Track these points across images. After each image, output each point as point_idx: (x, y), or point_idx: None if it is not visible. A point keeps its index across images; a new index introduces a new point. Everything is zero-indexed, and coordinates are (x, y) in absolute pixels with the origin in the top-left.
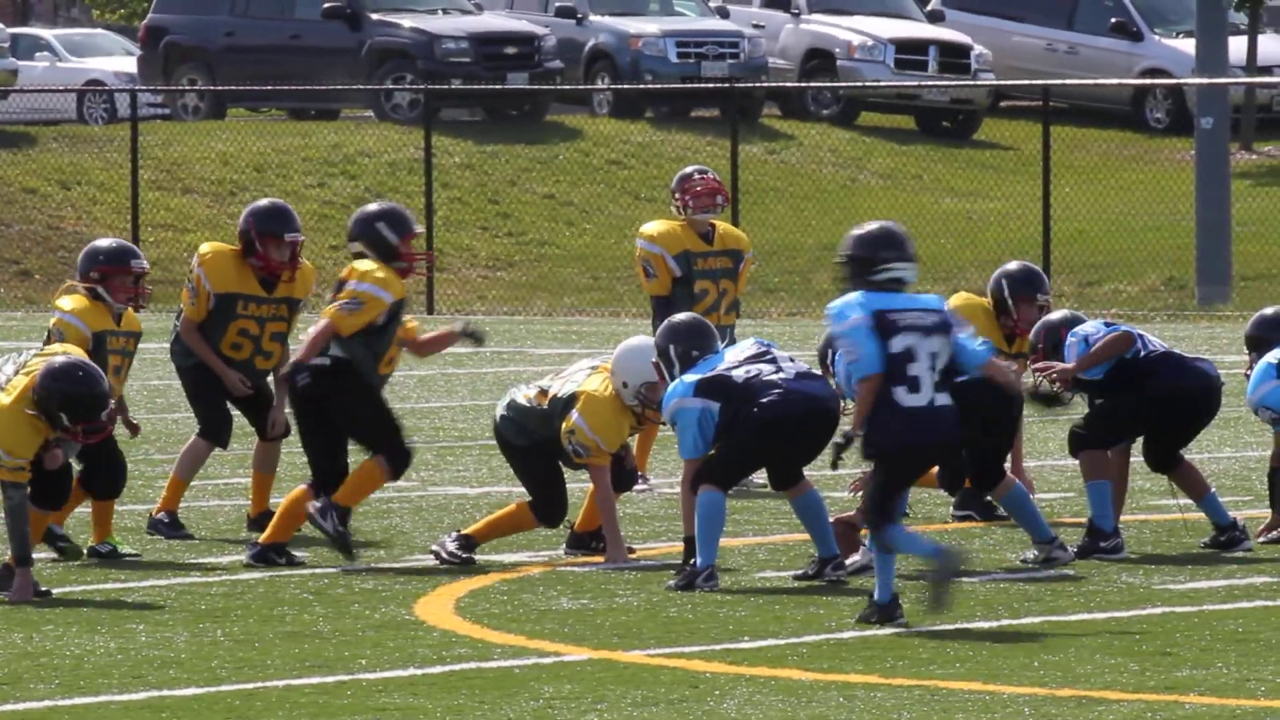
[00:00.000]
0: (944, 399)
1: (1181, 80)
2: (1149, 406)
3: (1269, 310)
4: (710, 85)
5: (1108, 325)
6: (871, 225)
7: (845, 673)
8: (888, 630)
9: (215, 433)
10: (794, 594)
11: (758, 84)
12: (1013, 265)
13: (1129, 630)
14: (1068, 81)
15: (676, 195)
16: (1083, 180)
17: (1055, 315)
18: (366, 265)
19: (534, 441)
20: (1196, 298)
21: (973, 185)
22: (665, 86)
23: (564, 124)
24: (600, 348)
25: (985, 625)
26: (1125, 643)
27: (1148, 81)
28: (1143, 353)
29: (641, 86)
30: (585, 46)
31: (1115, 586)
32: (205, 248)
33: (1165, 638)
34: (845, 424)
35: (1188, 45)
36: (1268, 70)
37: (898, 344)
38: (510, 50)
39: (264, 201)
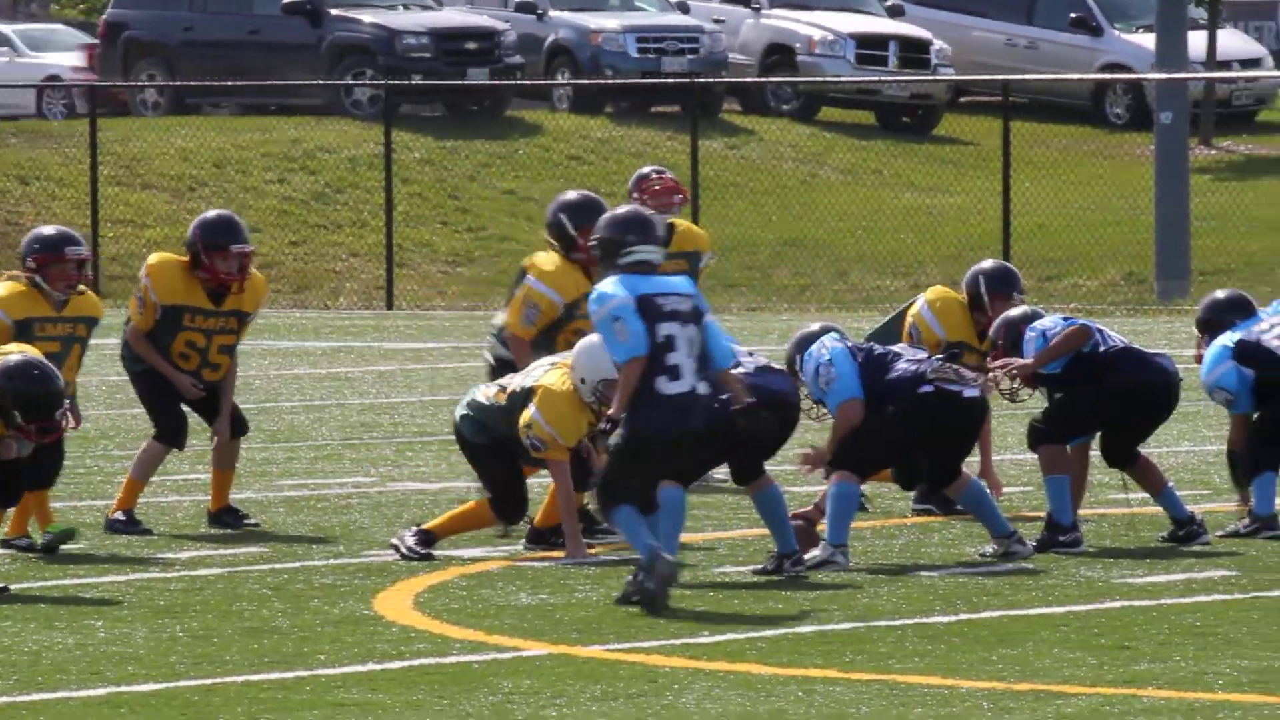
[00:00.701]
0: (704, 387)
1: (1141, 75)
2: (1107, 401)
3: (1220, 293)
4: (670, 80)
5: (1066, 320)
6: (621, 208)
7: (804, 667)
8: (847, 624)
9: (171, 436)
10: (753, 589)
11: (718, 79)
12: (988, 263)
13: (1087, 624)
14: (1028, 76)
15: (634, 195)
16: (1043, 175)
17: (1015, 311)
18: (545, 261)
19: (493, 440)
20: (1156, 292)
21: (933, 180)
22: (625, 82)
23: (524, 119)
24: None
25: (944, 620)
26: (1083, 636)
27: (1107, 76)
28: (1101, 347)
29: (601, 82)
30: (545, 42)
31: (1074, 580)
32: (153, 258)
33: (1123, 631)
34: (806, 418)
35: (1147, 40)
36: (1227, 65)
37: (660, 332)
38: (470, 45)
39: (211, 213)
